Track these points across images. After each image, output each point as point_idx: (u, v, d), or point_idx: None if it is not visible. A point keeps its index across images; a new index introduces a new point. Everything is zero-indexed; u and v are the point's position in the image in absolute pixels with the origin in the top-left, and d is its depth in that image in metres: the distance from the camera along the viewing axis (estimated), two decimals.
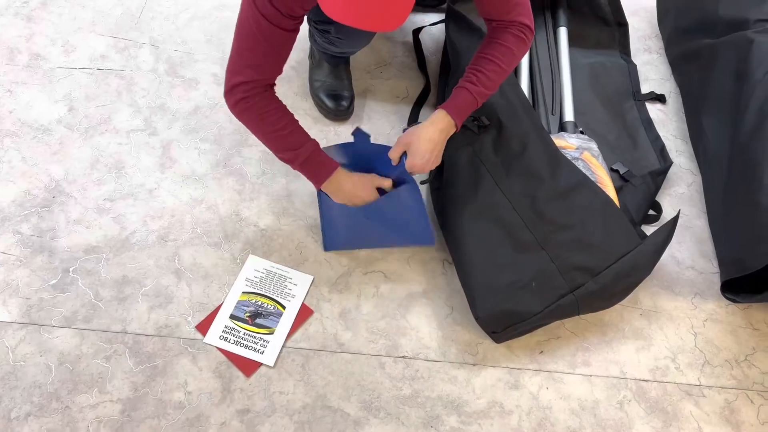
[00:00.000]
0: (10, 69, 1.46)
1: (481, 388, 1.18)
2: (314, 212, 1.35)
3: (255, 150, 1.42)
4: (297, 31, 1.09)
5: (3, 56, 1.48)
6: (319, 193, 1.23)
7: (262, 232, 1.31)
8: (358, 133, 1.26)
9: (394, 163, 1.23)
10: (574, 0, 1.71)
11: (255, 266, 1.25)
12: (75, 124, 1.40)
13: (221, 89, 1.09)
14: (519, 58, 1.18)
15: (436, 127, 1.16)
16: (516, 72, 1.57)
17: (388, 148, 1.24)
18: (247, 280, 1.23)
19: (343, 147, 1.27)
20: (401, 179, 1.24)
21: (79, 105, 1.43)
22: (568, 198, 1.27)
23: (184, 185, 1.35)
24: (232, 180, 1.36)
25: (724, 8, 1.47)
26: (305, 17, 1.20)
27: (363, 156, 1.26)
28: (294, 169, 1.16)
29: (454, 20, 1.51)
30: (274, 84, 1.14)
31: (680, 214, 1.36)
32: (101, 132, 1.39)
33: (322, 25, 1.29)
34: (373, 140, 1.26)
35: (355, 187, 1.19)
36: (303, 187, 1.38)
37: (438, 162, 1.22)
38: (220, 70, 1.52)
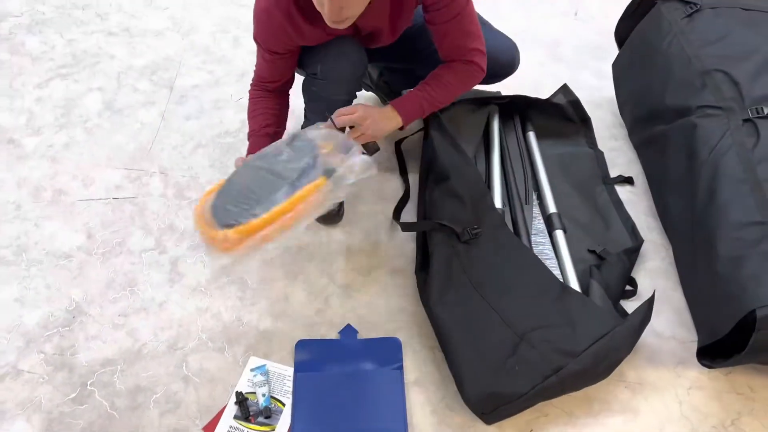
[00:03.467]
0: (36, 206, 1.65)
1: None
2: (309, 311, 1.46)
3: (255, 260, 1.55)
4: (284, 57, 1.43)
5: (30, 195, 1.67)
6: (295, 376, 1.34)
7: (262, 333, 1.42)
8: (346, 330, 1.42)
9: (339, 124, 1.39)
10: (540, 105, 1.90)
11: (255, 367, 1.35)
12: (93, 249, 1.56)
13: None
14: (468, 86, 1.51)
15: (385, 115, 1.45)
16: (489, 169, 1.73)
17: (378, 341, 1.41)
18: (249, 381, 1.33)
19: (326, 344, 1.40)
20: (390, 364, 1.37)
21: (96, 232, 1.59)
22: (541, 301, 1.37)
23: (191, 296, 1.47)
24: (234, 288, 1.49)
25: (670, 98, 1.63)
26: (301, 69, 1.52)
27: (350, 352, 1.39)
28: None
29: (440, 133, 1.65)
30: (279, 87, 1.51)
31: (657, 289, 1.45)
32: (116, 254, 1.55)
33: (311, 66, 1.46)
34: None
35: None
36: (300, 288, 1.50)
37: (371, 139, 1.46)
38: None
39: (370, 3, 1.26)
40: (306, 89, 1.52)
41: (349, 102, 1.52)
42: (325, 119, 1.40)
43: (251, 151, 1.43)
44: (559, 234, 1.58)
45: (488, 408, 1.26)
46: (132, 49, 2.14)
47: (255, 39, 1.42)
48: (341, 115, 1.40)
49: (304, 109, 1.57)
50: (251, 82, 1.53)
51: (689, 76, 1.59)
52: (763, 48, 1.57)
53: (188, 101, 1.96)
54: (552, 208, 1.65)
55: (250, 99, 1.52)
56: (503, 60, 1.65)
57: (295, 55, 1.46)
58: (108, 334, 1.40)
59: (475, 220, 1.49)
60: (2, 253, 1.54)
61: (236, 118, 1.91)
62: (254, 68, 1.51)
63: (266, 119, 1.49)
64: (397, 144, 1.83)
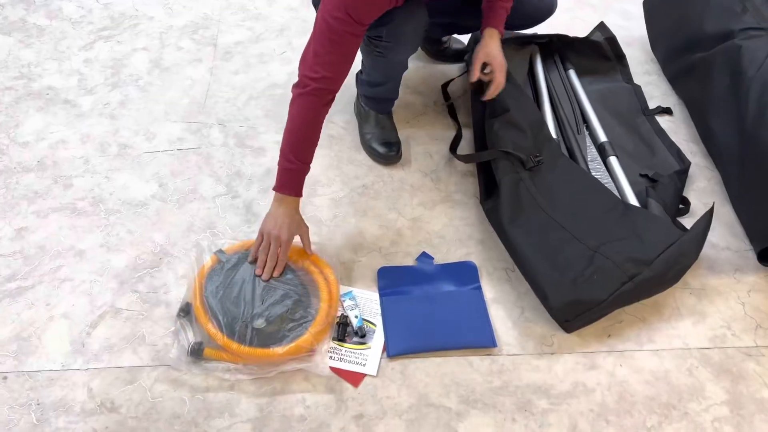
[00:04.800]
0: (105, 159, 1.68)
1: (563, 373, 1.31)
2: (384, 243, 1.53)
3: (324, 199, 1.61)
4: (362, 36, 1.34)
5: (96, 150, 1.71)
6: (381, 299, 1.41)
7: (343, 264, 1.48)
8: (423, 256, 1.49)
9: (474, 78, 1.58)
10: (578, 45, 1.96)
11: (343, 293, 1.42)
12: (167, 197, 1.60)
13: None
14: None
15: (495, 41, 1.56)
16: (539, 104, 1.80)
17: (454, 265, 1.48)
18: (339, 306, 1.39)
19: (406, 269, 1.47)
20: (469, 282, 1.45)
21: (167, 181, 1.64)
22: (607, 218, 1.46)
23: None
24: (311, 225, 1.53)
25: (709, 25, 1.70)
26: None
27: (429, 275, 1.46)
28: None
29: None
30: (334, 95, 1.34)
31: (706, 206, 1.54)
32: (190, 200, 1.60)
33: (374, 30, 1.43)
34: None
35: (279, 220, 1.36)
36: (372, 223, 1.56)
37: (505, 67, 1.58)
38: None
39: None
40: (368, 51, 1.55)
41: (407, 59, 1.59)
42: (385, 78, 1.62)
43: (287, 187, 1.36)
44: (613, 160, 1.66)
45: (571, 315, 1.34)
46: (169, 9, 2.16)
47: (345, 17, 1.25)
48: (477, 76, 1.59)
49: (362, 66, 1.65)
50: (311, 87, 1.29)
51: (728, 2, 1.67)
52: None
53: (234, 57, 2.00)
54: (603, 137, 1.72)
55: (310, 108, 1.32)
56: (544, 5, 1.71)
57: None
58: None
59: (536, 149, 1.57)
60: (80, 205, 1.58)
61: (282, 70, 1.96)
62: (314, 70, 1.29)
63: (314, 151, 1.37)
64: (444, 86, 1.88)
